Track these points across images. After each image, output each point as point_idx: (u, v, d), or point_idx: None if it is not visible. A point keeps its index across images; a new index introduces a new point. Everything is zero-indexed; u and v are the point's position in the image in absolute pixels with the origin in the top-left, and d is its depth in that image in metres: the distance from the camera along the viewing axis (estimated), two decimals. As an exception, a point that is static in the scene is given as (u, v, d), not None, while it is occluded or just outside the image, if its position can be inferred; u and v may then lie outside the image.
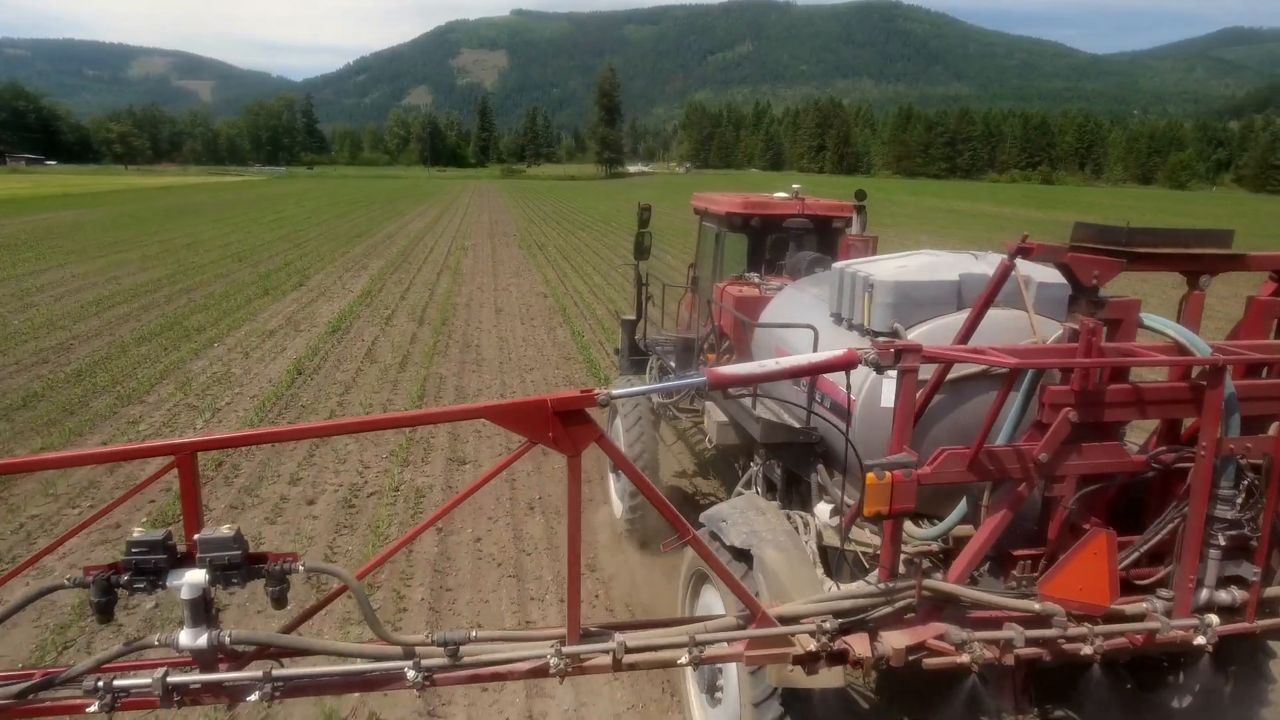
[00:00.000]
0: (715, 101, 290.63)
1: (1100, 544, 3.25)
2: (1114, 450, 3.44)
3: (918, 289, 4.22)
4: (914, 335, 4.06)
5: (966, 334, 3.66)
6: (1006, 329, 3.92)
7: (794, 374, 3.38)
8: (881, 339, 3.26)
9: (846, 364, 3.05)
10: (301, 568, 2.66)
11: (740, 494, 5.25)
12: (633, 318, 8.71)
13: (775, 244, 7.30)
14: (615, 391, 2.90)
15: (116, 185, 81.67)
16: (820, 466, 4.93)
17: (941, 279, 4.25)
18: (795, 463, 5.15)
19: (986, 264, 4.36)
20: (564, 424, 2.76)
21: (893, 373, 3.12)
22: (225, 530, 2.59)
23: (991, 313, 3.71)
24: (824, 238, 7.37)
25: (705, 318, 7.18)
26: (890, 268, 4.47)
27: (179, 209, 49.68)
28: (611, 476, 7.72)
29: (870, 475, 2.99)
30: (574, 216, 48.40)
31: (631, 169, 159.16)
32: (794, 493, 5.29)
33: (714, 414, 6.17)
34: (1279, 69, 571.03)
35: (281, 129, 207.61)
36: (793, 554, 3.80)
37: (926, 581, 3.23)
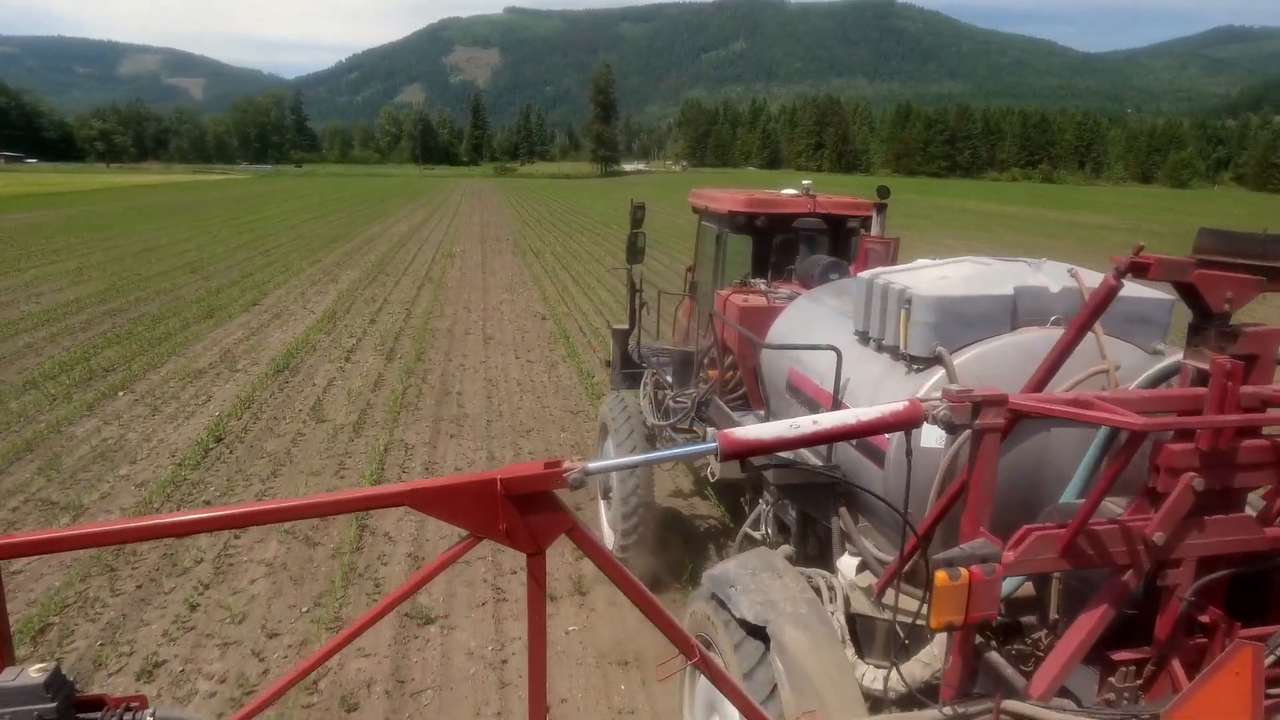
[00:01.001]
0: (710, 99, 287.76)
1: (1244, 661, 2.40)
2: (1245, 525, 2.75)
3: (965, 305, 3.58)
4: (963, 361, 3.51)
5: (1050, 371, 3.01)
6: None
7: (837, 437, 2.41)
8: (956, 390, 2.46)
9: (909, 422, 2.37)
10: (151, 717, 1.95)
11: (748, 536, 4.88)
12: (625, 326, 7.88)
13: (783, 246, 6.62)
14: (592, 466, 2.07)
15: (92, 184, 78.13)
16: (843, 509, 4.19)
17: (993, 293, 3.61)
18: (813, 505, 4.39)
19: (1046, 275, 3.76)
20: (521, 511, 2.03)
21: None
22: (34, 673, 1.80)
23: (1045, 334, 3.41)
24: (838, 240, 6.68)
25: (705, 328, 6.42)
26: (930, 279, 3.79)
27: (149, 209, 46.33)
28: (602, 503, 6.93)
29: (940, 574, 2.37)
30: (571, 218, 45.20)
31: (627, 167, 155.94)
32: (810, 536, 4.59)
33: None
34: (1271, 67, 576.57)
35: (270, 126, 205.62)
36: (817, 631, 3.26)
37: (1006, 703, 2.59)
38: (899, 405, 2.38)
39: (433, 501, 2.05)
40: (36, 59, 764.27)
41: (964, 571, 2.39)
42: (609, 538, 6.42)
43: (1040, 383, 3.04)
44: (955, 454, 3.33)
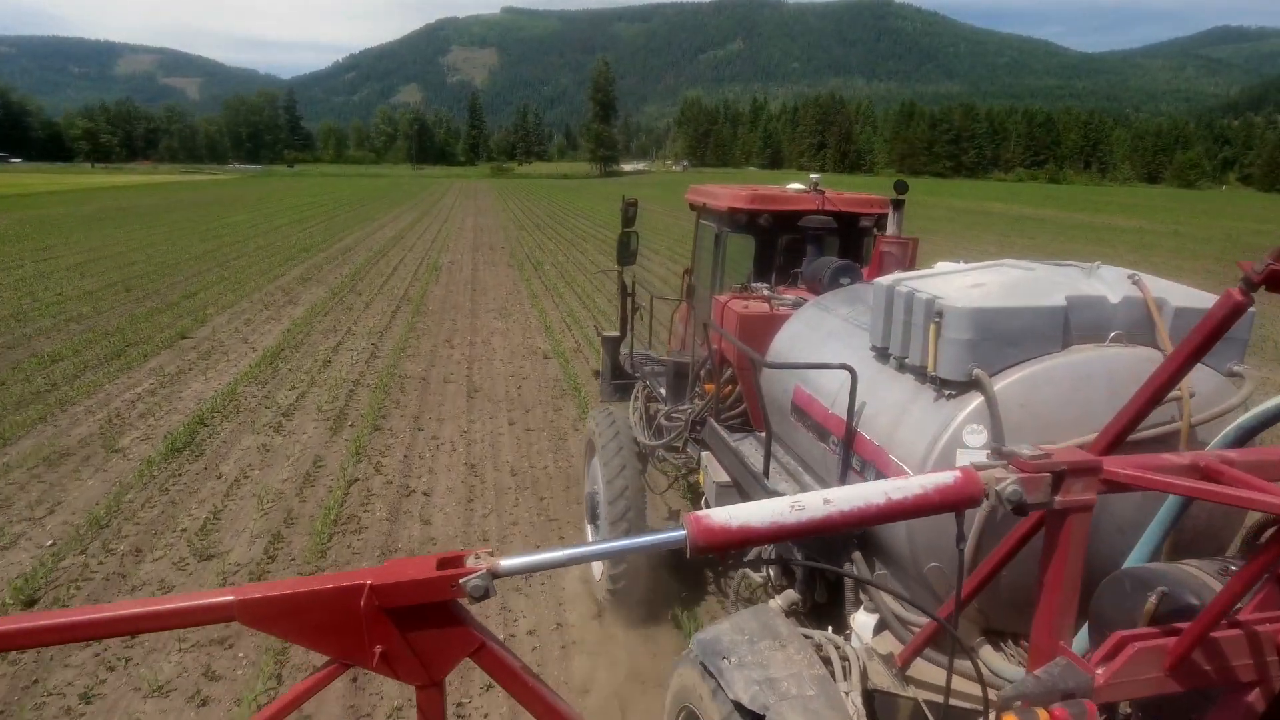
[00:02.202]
0: (707, 100, 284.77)
1: None
2: None
3: (1008, 318, 3.04)
4: (1005, 387, 3.00)
5: (1141, 413, 2.34)
6: (1129, 374, 2.90)
7: (859, 521, 1.77)
8: (1029, 454, 1.83)
9: (962, 501, 1.76)
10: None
11: (747, 576, 4.32)
12: (616, 334, 7.25)
13: (789, 247, 5.90)
14: (504, 564, 1.53)
15: (67, 185, 74.37)
16: (856, 554, 3.53)
17: (1041, 304, 3.07)
18: (823, 552, 3.70)
19: (1103, 282, 3.22)
20: (404, 629, 1.50)
21: (975, 445, 2.62)
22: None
23: (1104, 354, 3.01)
24: (849, 240, 5.98)
25: (702, 338, 5.71)
26: (963, 286, 3.25)
27: (113, 213, 42.63)
28: (589, 529, 6.07)
29: (1008, 717, 1.82)
30: (573, 222, 41.52)
31: (627, 167, 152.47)
32: (818, 581, 3.88)
33: (712, 471, 4.86)
34: (1267, 67, 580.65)
35: (263, 125, 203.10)
36: None
37: None
38: (946, 477, 1.79)
39: (274, 615, 1.47)
40: (31, 59, 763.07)
41: (1044, 714, 1.83)
42: (596, 570, 5.78)
43: (1125, 430, 2.37)
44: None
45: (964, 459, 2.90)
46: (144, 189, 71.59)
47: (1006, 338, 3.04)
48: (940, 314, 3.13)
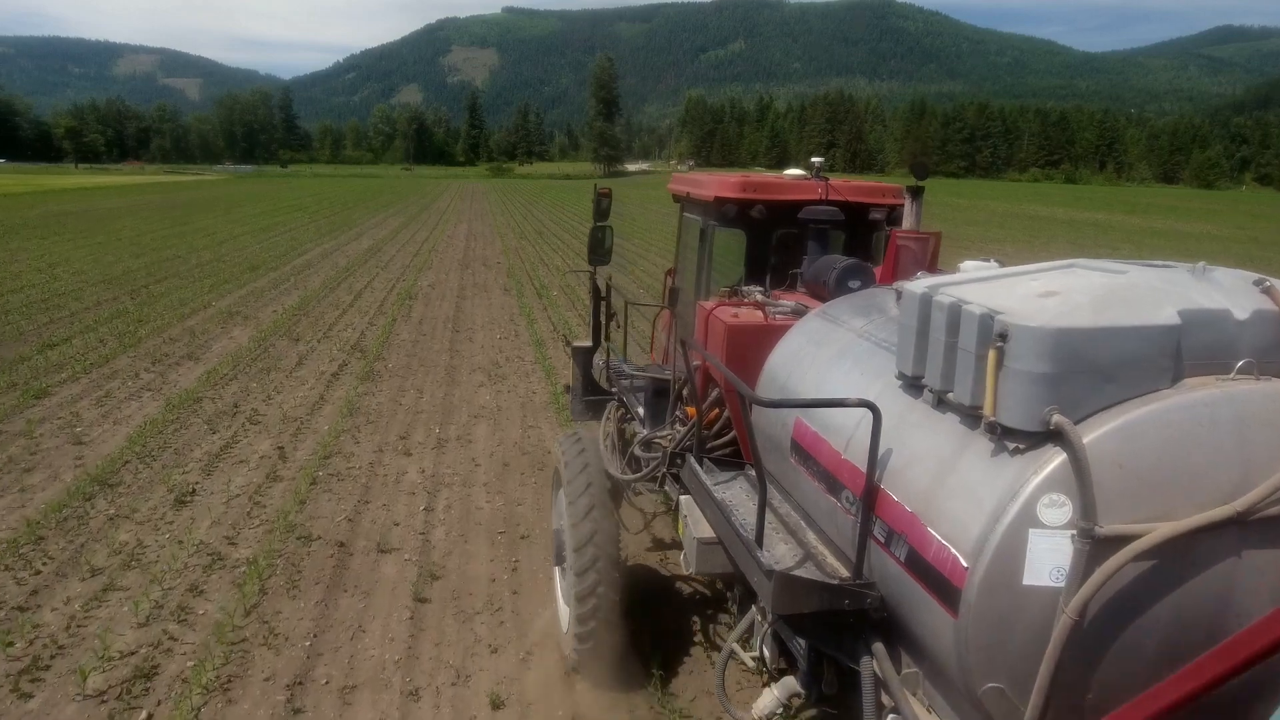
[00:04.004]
0: (709, 99, 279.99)
1: None
2: None
3: (1102, 343, 2.21)
4: (1098, 439, 2.16)
5: None
6: (1266, 417, 2.18)
7: None
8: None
9: None
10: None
11: (735, 654, 3.66)
12: (588, 344, 6.40)
13: (787, 244, 5.14)
14: None
15: (31, 186, 69.11)
16: (878, 646, 2.82)
17: (1148, 322, 2.24)
18: (832, 642, 3.00)
19: (1220, 290, 2.40)
20: None
21: (1055, 523, 2.07)
22: None
23: (1234, 392, 2.20)
24: (858, 235, 5.25)
25: (690, 350, 4.53)
26: (1029, 295, 2.42)
27: (55, 219, 37.24)
28: (557, 571, 5.20)
29: None
30: (581, 228, 35.95)
31: (630, 167, 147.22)
32: (825, 669, 3.14)
33: (692, 523, 3.97)
34: (1270, 66, 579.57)
35: (258, 125, 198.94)
36: None
37: None
38: None
39: None
40: (30, 59, 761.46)
41: None
42: (564, 617, 4.81)
43: (1266, 499, 1.99)
44: (1086, 601, 2.10)
45: (1041, 544, 2.16)
46: (116, 190, 66.35)
47: (1100, 370, 2.21)
48: (1004, 335, 2.26)
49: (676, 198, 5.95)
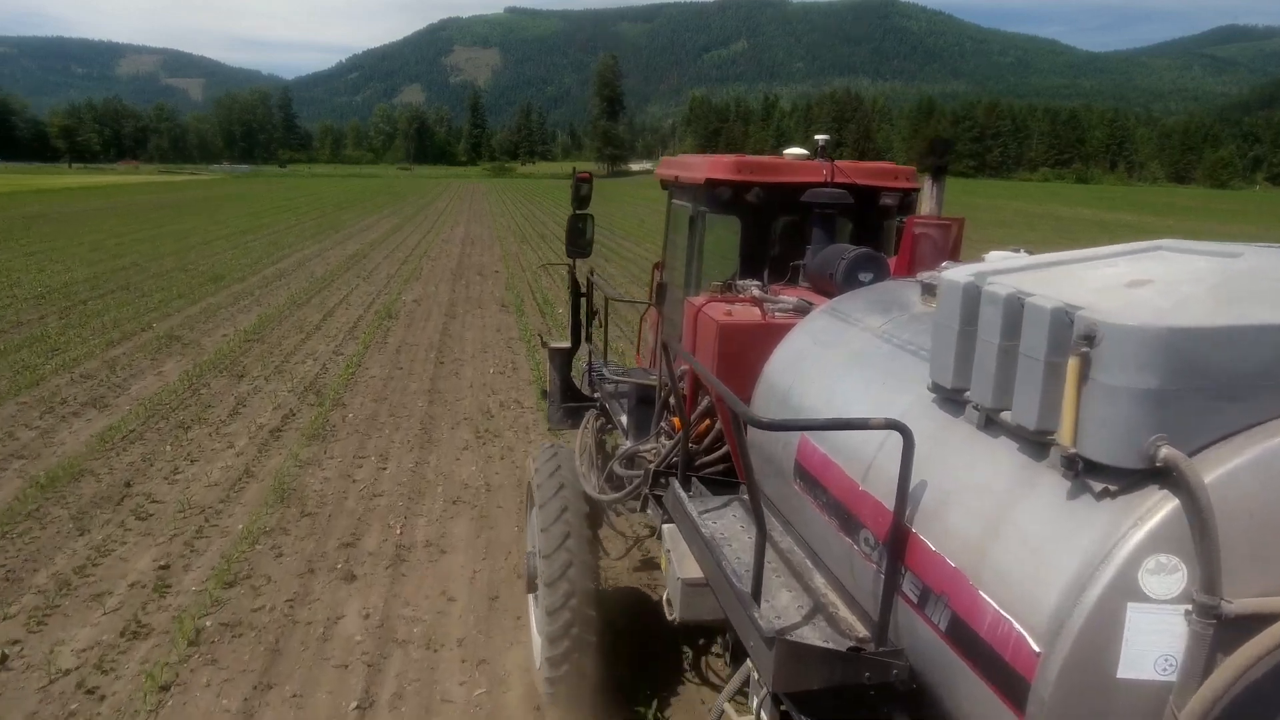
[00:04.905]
0: (713, 98, 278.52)
1: None
2: None
3: (1230, 345, 1.69)
4: (1222, 478, 1.65)
5: None
6: None
7: None
8: None
9: None
10: None
11: (727, 715, 3.12)
12: (567, 344, 5.96)
13: (787, 232, 4.65)
14: None
15: (22, 186, 66.63)
16: None
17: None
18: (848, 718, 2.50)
19: None
20: None
21: (1164, 595, 1.62)
22: None
23: None
24: (868, 222, 4.71)
25: (675, 355, 3.99)
26: (1110, 285, 1.97)
27: (17, 222, 34.57)
28: (530, 600, 4.68)
29: None
30: (598, 238, 33.19)
31: (634, 166, 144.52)
32: None
33: (676, 559, 3.29)
34: (1273, 66, 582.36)
35: (257, 124, 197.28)
36: None
37: None
38: None
39: None
40: (33, 59, 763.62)
41: None
42: (537, 650, 4.26)
43: None
44: (1210, 705, 1.60)
45: (1144, 624, 1.67)
46: (104, 190, 63.80)
47: (1224, 384, 1.68)
48: (1091, 338, 1.73)
49: (665, 183, 5.42)
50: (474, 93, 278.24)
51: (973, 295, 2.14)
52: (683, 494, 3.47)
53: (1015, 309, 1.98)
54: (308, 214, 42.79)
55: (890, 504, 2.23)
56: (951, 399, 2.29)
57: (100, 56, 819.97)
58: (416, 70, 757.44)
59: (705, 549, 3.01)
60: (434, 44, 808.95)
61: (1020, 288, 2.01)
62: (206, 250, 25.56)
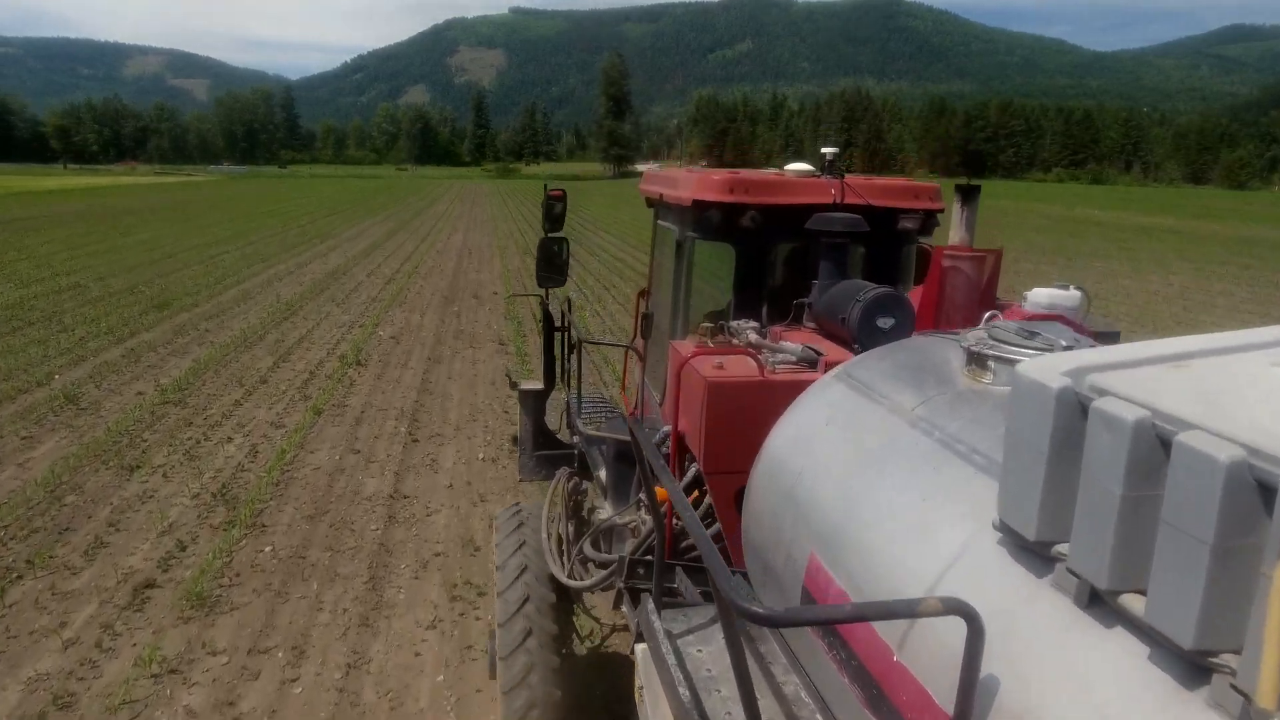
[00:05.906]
0: (718, 98, 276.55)
1: None
2: None
3: None
4: None
5: None
6: None
7: None
8: None
9: None
10: None
11: None
12: (539, 385, 5.19)
13: (791, 261, 4.00)
14: None
15: (3, 188, 63.85)
16: None
17: None
18: None
19: None
20: None
21: None
22: None
23: None
24: (885, 251, 3.99)
25: (658, 396, 4.05)
26: None
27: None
28: (497, 629, 3.77)
29: None
30: (593, 238, 30.04)
31: (640, 167, 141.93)
32: None
33: (650, 700, 2.43)
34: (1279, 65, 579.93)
35: (258, 124, 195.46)
36: None
37: None
38: None
39: None
40: (39, 60, 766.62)
41: None
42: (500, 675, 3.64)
43: None
44: None
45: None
46: (90, 192, 61.07)
47: None
48: None
49: (650, 201, 4.76)
50: (478, 93, 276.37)
51: (1072, 408, 1.35)
52: (657, 622, 2.44)
53: (1152, 445, 1.20)
54: (294, 219, 39.79)
55: (942, 700, 1.47)
56: (1032, 550, 1.46)
57: (106, 57, 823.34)
58: (421, 71, 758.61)
59: (684, 702, 2.14)
60: (439, 44, 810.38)
61: (1156, 405, 1.21)
62: (169, 265, 22.54)
